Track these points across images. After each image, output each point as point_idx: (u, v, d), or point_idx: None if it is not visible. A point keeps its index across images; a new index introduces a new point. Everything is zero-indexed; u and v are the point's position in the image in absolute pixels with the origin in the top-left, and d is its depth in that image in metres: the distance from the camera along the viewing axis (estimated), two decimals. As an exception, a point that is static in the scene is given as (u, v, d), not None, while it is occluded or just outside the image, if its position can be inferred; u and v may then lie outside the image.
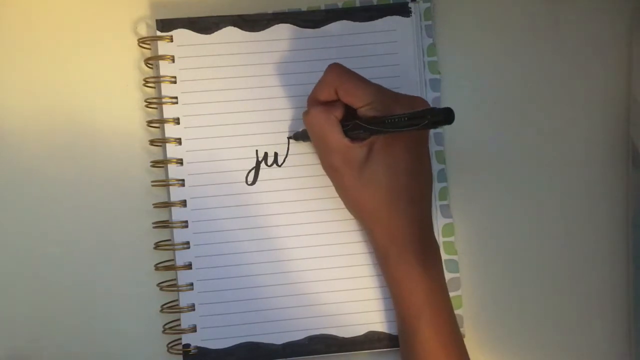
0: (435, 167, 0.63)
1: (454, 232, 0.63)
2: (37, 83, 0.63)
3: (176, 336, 0.61)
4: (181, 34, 0.62)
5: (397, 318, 0.59)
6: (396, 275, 0.58)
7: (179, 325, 0.61)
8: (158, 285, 0.61)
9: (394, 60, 0.63)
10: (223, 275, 0.61)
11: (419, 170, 0.57)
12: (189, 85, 0.62)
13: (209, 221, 0.62)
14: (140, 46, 0.63)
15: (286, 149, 0.62)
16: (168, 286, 0.61)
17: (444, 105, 0.63)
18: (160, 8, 0.64)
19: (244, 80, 0.62)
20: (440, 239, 0.62)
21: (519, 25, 0.65)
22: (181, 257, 0.61)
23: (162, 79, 0.62)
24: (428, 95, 0.63)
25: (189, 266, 0.61)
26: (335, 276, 0.62)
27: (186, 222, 0.61)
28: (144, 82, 0.62)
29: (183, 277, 0.61)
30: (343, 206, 0.60)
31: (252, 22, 0.63)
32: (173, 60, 0.62)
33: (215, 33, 0.62)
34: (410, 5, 0.63)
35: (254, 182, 0.62)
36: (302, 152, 0.62)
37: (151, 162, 0.62)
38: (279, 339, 0.61)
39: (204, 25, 0.63)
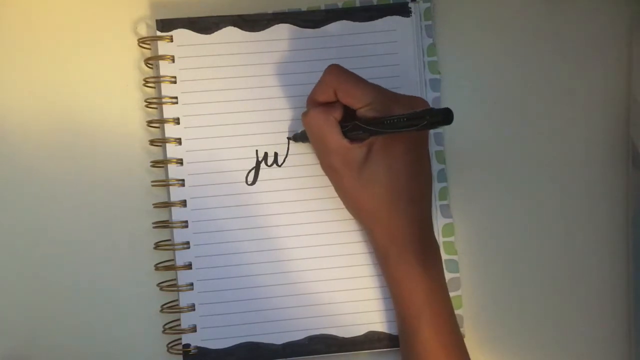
0: (435, 167, 0.63)
1: (454, 232, 0.63)
2: (37, 83, 0.63)
3: (176, 336, 0.61)
4: (181, 34, 0.62)
5: (397, 318, 0.59)
6: (396, 275, 0.58)
7: (179, 325, 0.61)
8: (158, 285, 0.61)
9: (394, 60, 0.63)
10: (223, 275, 0.61)
11: (418, 170, 0.57)
12: (189, 85, 0.62)
13: (209, 221, 0.62)
14: (140, 46, 0.63)
15: (286, 149, 0.62)
16: (168, 286, 0.61)
17: (443, 105, 0.63)
18: (160, 8, 0.64)
19: (244, 80, 0.62)
20: (440, 239, 0.62)
21: (519, 25, 0.65)
22: (181, 257, 0.61)
23: (162, 79, 0.62)
24: (428, 96, 0.63)
25: (189, 266, 0.61)
26: (335, 276, 0.62)
27: (186, 222, 0.61)
28: (144, 82, 0.62)
29: (183, 277, 0.61)
30: (343, 206, 0.60)
31: (252, 22, 0.63)
32: (173, 60, 0.62)
33: (215, 33, 0.62)
34: (410, 5, 0.63)
35: (254, 182, 0.62)
36: (302, 152, 0.62)
37: (151, 162, 0.62)
38: (279, 339, 0.61)
39: (204, 25, 0.62)
